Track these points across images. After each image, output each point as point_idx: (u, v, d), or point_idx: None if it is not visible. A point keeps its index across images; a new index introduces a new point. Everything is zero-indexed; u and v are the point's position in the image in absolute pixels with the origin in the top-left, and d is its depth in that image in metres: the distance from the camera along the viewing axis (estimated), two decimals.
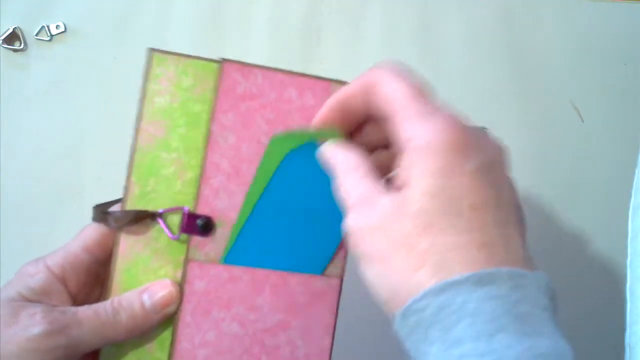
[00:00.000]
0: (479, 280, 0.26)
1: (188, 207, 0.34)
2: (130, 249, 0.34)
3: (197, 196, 0.34)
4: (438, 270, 0.27)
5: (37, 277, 0.33)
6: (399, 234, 0.28)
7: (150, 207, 0.34)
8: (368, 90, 0.32)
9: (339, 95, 0.33)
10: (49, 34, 0.55)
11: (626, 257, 0.46)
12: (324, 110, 0.34)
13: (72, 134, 0.53)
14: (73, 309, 0.32)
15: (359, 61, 0.54)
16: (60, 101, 0.53)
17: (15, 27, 0.55)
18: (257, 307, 0.35)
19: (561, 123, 0.52)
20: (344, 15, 0.55)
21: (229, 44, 0.55)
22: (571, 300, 0.49)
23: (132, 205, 0.34)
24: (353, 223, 0.30)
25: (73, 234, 0.36)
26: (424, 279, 0.27)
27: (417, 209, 0.28)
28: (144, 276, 0.34)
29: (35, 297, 0.32)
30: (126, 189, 0.34)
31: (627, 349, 0.44)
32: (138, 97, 0.34)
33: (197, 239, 0.34)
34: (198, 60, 0.34)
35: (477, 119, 0.53)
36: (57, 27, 0.55)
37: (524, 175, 0.52)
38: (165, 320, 0.34)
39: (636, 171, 0.47)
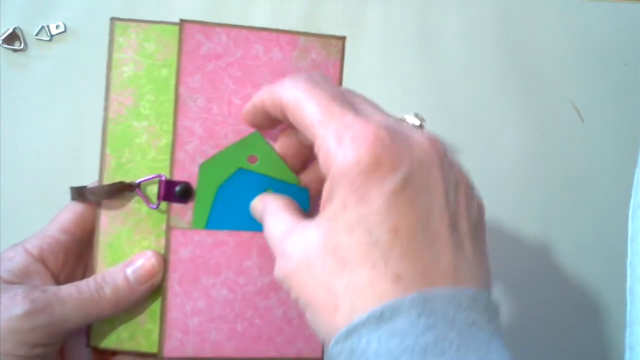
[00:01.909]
0: (380, 317, 0.24)
1: (164, 174, 0.33)
2: (111, 224, 0.34)
3: (173, 162, 0.33)
4: (351, 311, 0.25)
5: (15, 259, 0.33)
6: (320, 274, 0.26)
7: (128, 178, 0.33)
8: (278, 106, 0.29)
9: (255, 101, 0.32)
10: (49, 34, 0.55)
11: (626, 257, 0.46)
12: (245, 115, 0.33)
13: (72, 134, 0.53)
14: (54, 287, 0.32)
15: (359, 61, 0.54)
16: (60, 101, 0.53)
17: (15, 27, 0.55)
18: (246, 270, 0.34)
19: (561, 123, 0.52)
20: (344, 15, 0.55)
21: None
22: (571, 301, 0.49)
23: (110, 177, 0.33)
24: (279, 272, 0.28)
25: None
26: (340, 322, 0.25)
27: (335, 245, 0.26)
28: (128, 249, 0.34)
29: (15, 280, 0.32)
30: (102, 162, 0.33)
31: (627, 349, 0.44)
32: (105, 69, 0.33)
33: (177, 207, 0.34)
34: (159, 24, 0.34)
35: (476, 119, 0.53)
36: (57, 27, 0.55)
37: (523, 175, 0.52)
38: (153, 291, 0.33)
39: (636, 171, 0.47)
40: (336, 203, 0.26)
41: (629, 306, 0.45)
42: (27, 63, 0.55)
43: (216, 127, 0.34)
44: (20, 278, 0.32)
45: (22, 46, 0.55)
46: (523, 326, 0.48)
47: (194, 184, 0.34)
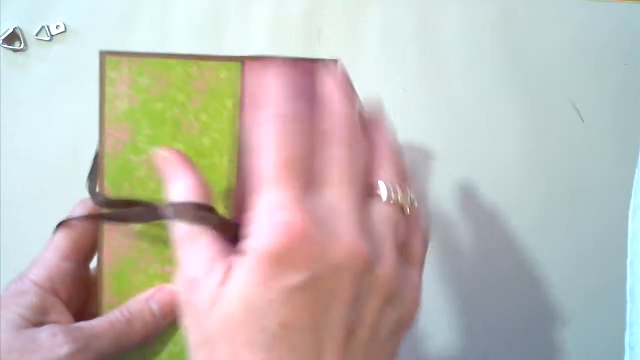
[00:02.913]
0: None
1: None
2: (115, 253, 0.34)
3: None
4: None
5: (29, 296, 0.32)
6: (207, 331, 0.26)
7: None
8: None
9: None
10: (49, 34, 0.55)
11: (626, 257, 0.46)
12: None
13: (71, 134, 0.53)
14: (87, 323, 0.32)
15: (359, 61, 0.54)
16: (60, 101, 0.53)
17: (15, 27, 0.55)
18: None
19: (561, 123, 0.52)
20: (344, 15, 0.55)
21: (229, 44, 0.55)
22: (571, 300, 0.49)
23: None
24: (181, 288, 0.28)
25: None
26: None
27: (228, 312, 0.26)
28: (134, 277, 0.34)
29: (37, 318, 0.32)
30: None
31: (627, 349, 0.44)
32: (98, 102, 0.33)
33: None
34: (152, 58, 0.33)
35: (476, 119, 0.53)
36: (57, 27, 0.55)
37: (523, 175, 0.52)
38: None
39: (636, 171, 0.47)
40: (241, 274, 0.26)
41: (629, 306, 0.45)
42: (27, 63, 0.55)
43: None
44: (41, 316, 0.32)
45: (22, 46, 0.55)
46: (523, 326, 0.49)
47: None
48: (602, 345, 0.48)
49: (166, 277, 0.34)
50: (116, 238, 0.34)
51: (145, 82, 0.32)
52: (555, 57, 0.54)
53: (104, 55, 0.33)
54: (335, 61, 0.32)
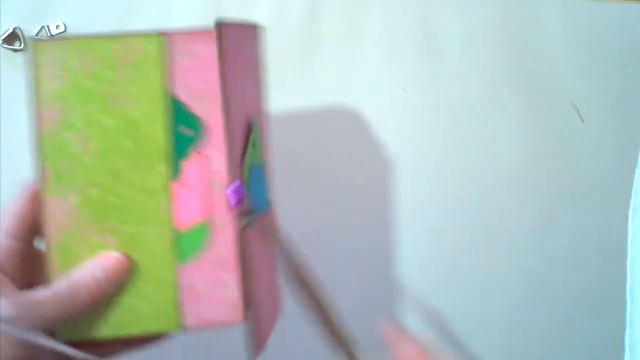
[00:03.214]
0: None
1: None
2: (59, 228, 0.36)
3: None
4: None
5: None
6: None
7: (69, 185, 0.35)
8: None
9: None
10: (49, 34, 0.55)
11: (626, 257, 0.46)
12: None
13: None
14: (31, 292, 0.33)
15: (359, 61, 0.54)
16: None
17: (15, 27, 0.55)
18: None
19: (561, 123, 0.52)
20: (344, 15, 0.55)
21: None
22: (571, 300, 0.49)
23: (51, 187, 0.35)
24: None
25: None
26: None
27: None
28: (78, 247, 0.36)
29: None
30: (41, 174, 0.35)
31: (627, 349, 0.44)
32: (29, 85, 0.35)
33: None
34: (79, 39, 0.35)
35: (476, 119, 0.53)
36: (57, 27, 0.55)
37: (523, 175, 0.52)
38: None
39: (636, 171, 0.47)
40: None
41: (629, 306, 0.45)
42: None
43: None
44: None
45: (22, 46, 0.55)
46: (522, 326, 0.49)
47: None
48: (602, 345, 0.48)
49: (108, 247, 0.35)
50: (58, 214, 0.35)
51: (73, 63, 0.34)
52: (555, 57, 0.54)
53: (32, 42, 0.35)
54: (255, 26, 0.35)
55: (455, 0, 0.55)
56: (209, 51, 0.35)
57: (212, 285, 0.36)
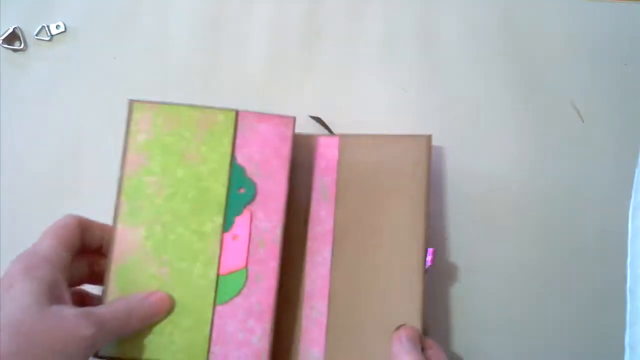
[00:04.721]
0: None
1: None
2: (123, 253, 0.40)
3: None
4: None
5: (41, 271, 0.35)
6: None
7: (140, 219, 0.40)
8: None
9: None
10: (49, 34, 0.55)
11: (626, 257, 0.46)
12: None
13: (71, 134, 0.53)
14: (97, 309, 0.36)
15: (359, 61, 0.54)
16: (60, 101, 0.53)
17: (15, 27, 0.55)
18: None
19: (561, 123, 0.52)
20: (344, 15, 0.55)
21: (229, 44, 0.55)
22: (571, 300, 0.49)
23: (124, 220, 0.40)
24: None
25: None
26: None
27: None
28: (137, 274, 0.40)
29: (52, 292, 0.35)
30: (116, 207, 0.41)
31: (627, 349, 0.44)
32: (124, 134, 0.41)
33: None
34: (166, 105, 0.42)
35: (476, 119, 0.53)
36: (57, 27, 0.55)
37: (523, 175, 0.52)
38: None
39: (636, 171, 0.47)
40: None
41: (629, 306, 0.45)
42: (27, 63, 0.55)
43: None
44: (54, 289, 0.35)
45: (22, 46, 0.55)
46: (522, 325, 0.48)
47: None
48: (602, 345, 0.48)
49: (161, 278, 0.40)
50: (125, 242, 0.40)
51: (160, 122, 0.42)
52: (555, 57, 0.54)
53: (131, 102, 0.42)
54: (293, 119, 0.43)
55: (455, 0, 0.55)
56: (266, 130, 0.42)
57: (241, 330, 0.39)
